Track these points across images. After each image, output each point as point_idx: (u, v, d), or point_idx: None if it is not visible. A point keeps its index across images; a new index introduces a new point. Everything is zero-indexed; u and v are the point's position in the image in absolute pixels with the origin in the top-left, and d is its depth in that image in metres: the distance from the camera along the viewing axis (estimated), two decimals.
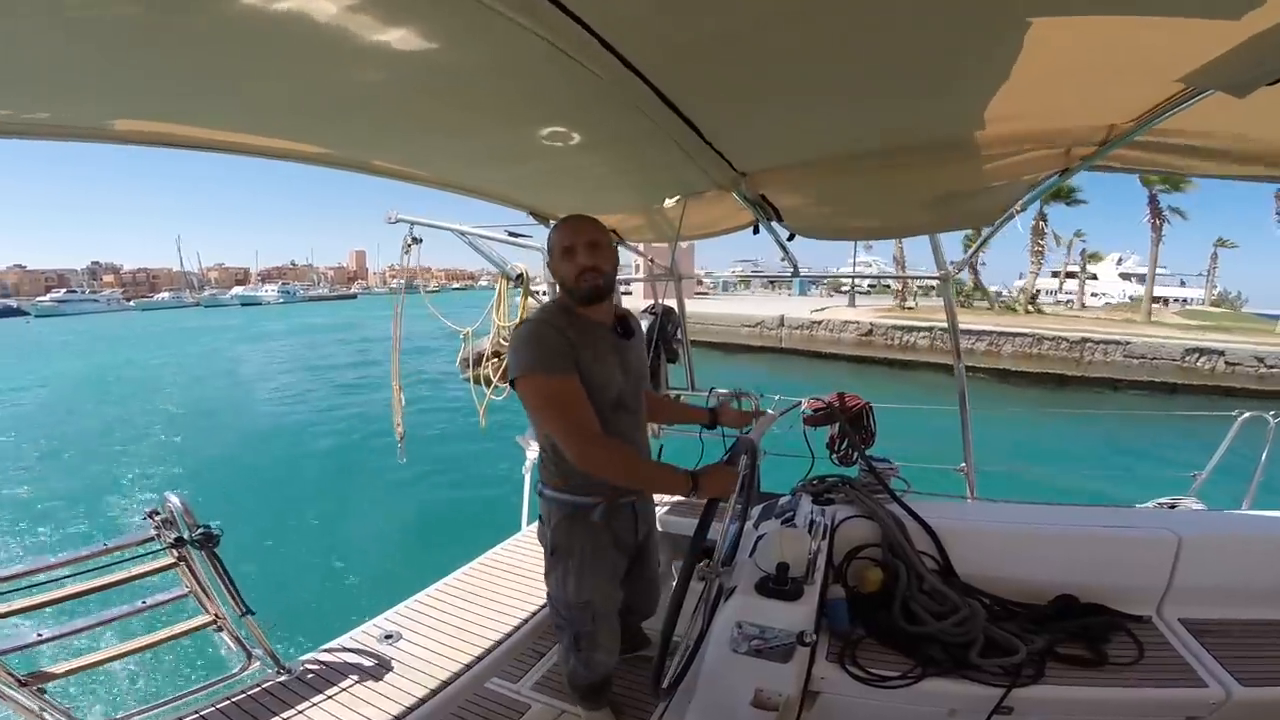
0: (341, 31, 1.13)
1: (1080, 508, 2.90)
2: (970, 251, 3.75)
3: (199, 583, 2.30)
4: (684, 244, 3.88)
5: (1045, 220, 31.47)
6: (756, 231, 3.12)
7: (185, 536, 2.20)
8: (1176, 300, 53.34)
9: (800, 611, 1.96)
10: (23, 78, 1.23)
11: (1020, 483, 6.82)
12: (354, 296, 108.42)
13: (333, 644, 2.73)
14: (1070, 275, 46.37)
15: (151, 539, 2.20)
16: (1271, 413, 3.67)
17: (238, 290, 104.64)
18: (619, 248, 2.48)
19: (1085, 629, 2.26)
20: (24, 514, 9.82)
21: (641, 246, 4.25)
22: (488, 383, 4.27)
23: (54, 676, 2.03)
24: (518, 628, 2.89)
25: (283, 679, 2.46)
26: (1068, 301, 43.98)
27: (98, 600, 2.19)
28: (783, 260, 3.96)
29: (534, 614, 2.98)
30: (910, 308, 31.82)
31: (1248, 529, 2.64)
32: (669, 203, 2.89)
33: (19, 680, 1.94)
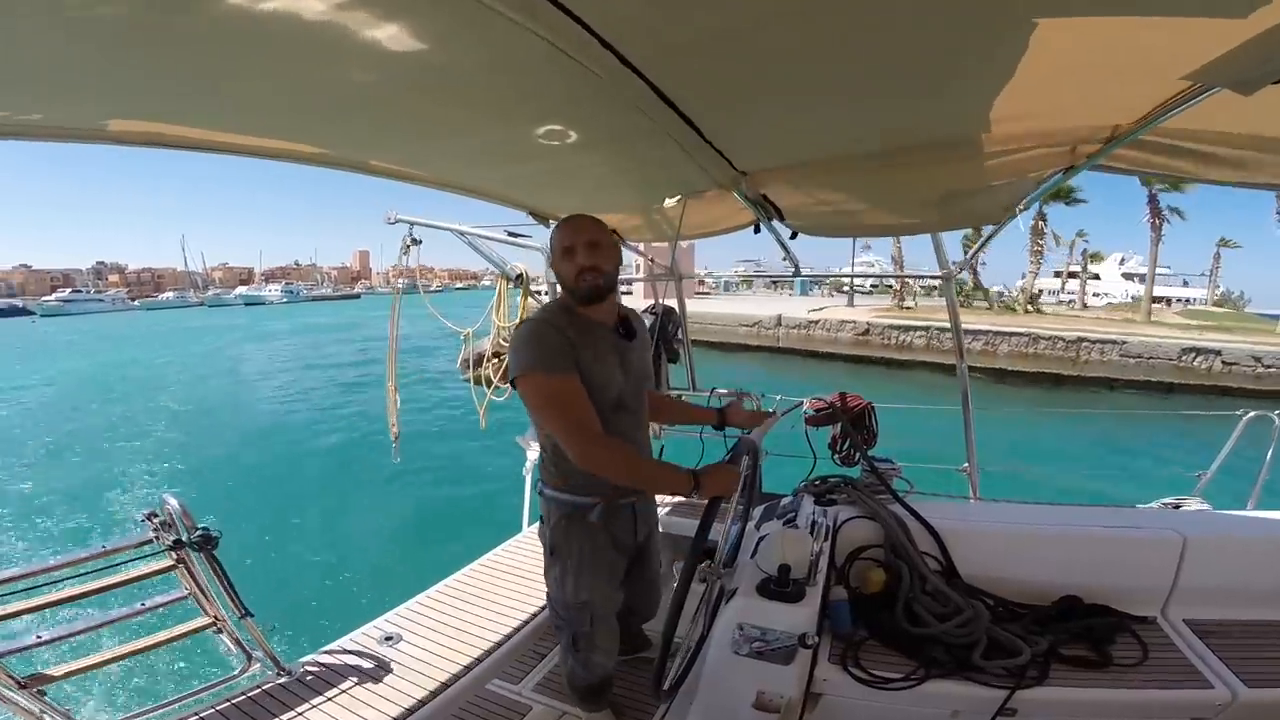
0: (338, 30, 1.12)
1: (1084, 508, 2.88)
2: (973, 250, 3.74)
3: (198, 584, 2.30)
4: (684, 243, 3.87)
5: (1045, 220, 31.44)
6: (758, 230, 3.11)
7: (184, 539, 2.19)
8: (1180, 300, 53.28)
9: (802, 613, 1.96)
10: (16, 78, 1.22)
11: (1023, 483, 6.82)
12: (357, 296, 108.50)
13: (333, 645, 2.72)
14: (1072, 275, 46.27)
15: (150, 541, 2.19)
16: (1277, 412, 3.65)
17: (242, 290, 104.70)
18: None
19: (1089, 630, 2.25)
20: (28, 509, 9.91)
21: (642, 246, 4.24)
22: (488, 383, 4.27)
23: (54, 678, 2.03)
24: (518, 629, 2.89)
25: (283, 681, 2.46)
26: (1070, 301, 43.92)
27: (97, 602, 2.19)
28: (784, 260, 3.95)
29: (535, 615, 2.98)
30: (909, 308, 31.75)
31: (1253, 529, 2.63)
32: (669, 202, 2.88)
33: (19, 682, 1.94)
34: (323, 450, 13.41)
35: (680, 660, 1.98)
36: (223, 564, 2.32)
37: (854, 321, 25.66)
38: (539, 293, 4.23)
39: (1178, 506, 3.43)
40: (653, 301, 4.36)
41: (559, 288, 2.07)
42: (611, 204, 3.10)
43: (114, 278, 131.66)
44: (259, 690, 2.41)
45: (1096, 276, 50.52)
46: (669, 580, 3.13)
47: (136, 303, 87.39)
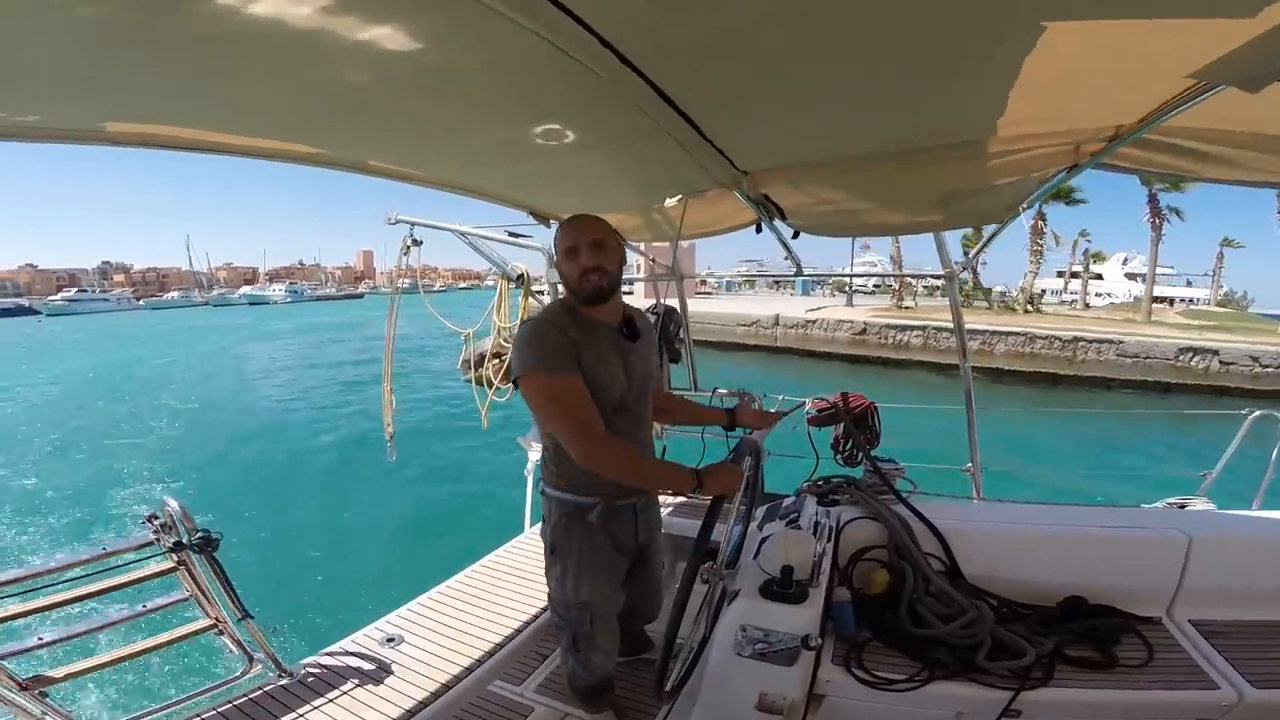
0: (336, 30, 1.12)
1: (1088, 508, 2.88)
2: (976, 249, 3.74)
3: (199, 586, 2.29)
4: (684, 243, 3.86)
5: (1044, 219, 31.40)
6: (759, 230, 3.10)
7: (184, 540, 2.19)
8: (1183, 300, 53.14)
9: (805, 615, 1.95)
10: (12, 80, 1.22)
11: (1027, 483, 6.80)
12: (361, 296, 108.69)
13: (335, 647, 2.72)
14: (1075, 275, 46.23)
15: (151, 543, 2.19)
16: None
17: (246, 290, 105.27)
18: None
19: (1094, 631, 2.24)
20: (33, 505, 10.07)
21: (642, 246, 4.23)
22: (488, 384, 4.26)
23: (55, 680, 2.03)
24: (520, 630, 2.88)
25: (284, 682, 2.45)
26: (1072, 302, 43.89)
27: (98, 604, 2.19)
28: (786, 259, 3.94)
29: (536, 616, 2.97)
30: (908, 308, 31.75)
31: (1259, 529, 2.62)
32: (670, 202, 2.87)
33: (20, 684, 1.93)
34: (324, 450, 13.41)
35: (682, 661, 1.97)
36: (223, 565, 2.31)
37: (851, 321, 25.76)
38: (540, 293, 4.22)
39: (1183, 506, 3.41)
40: (654, 301, 4.35)
41: (560, 288, 2.07)
42: (612, 204, 3.09)
43: (119, 277, 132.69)
44: (260, 692, 2.41)
45: (1099, 277, 50.53)
46: (670, 581, 3.13)
47: (141, 302, 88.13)
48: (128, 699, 4.94)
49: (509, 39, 1.18)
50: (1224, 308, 46.21)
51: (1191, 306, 48.14)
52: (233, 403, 19.55)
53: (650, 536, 2.28)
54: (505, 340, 4.22)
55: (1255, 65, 1.24)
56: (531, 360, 1.87)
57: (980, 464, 3.77)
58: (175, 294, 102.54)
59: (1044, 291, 44.85)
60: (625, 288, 2.13)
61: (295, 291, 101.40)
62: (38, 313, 73.42)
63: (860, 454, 3.15)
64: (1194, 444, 11.02)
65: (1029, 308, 31.99)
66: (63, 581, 2.07)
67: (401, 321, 3.84)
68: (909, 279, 35.63)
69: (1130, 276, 52.81)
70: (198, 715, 2.26)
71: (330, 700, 2.39)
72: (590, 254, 1.92)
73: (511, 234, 3.72)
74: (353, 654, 2.67)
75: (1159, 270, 34.36)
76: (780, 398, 3.78)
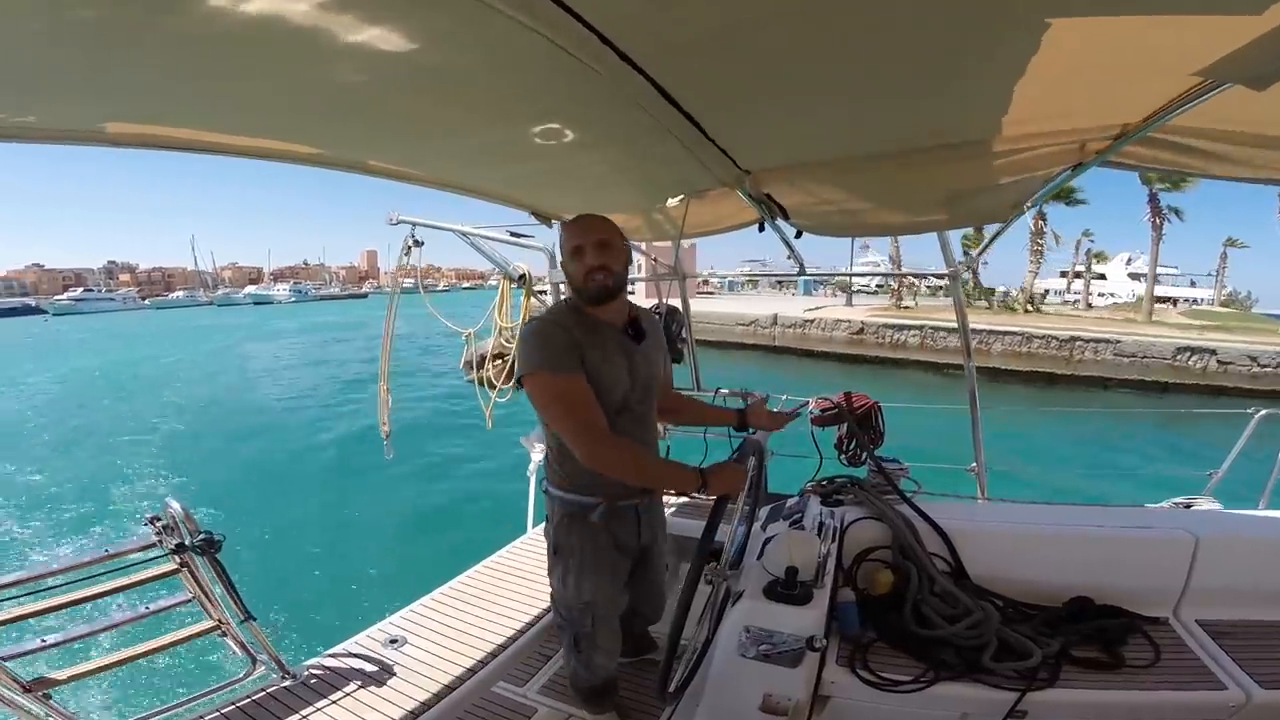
0: (335, 29, 1.11)
1: (1094, 508, 2.86)
2: (981, 248, 3.72)
3: (201, 588, 2.28)
4: (686, 242, 3.85)
5: (1045, 219, 31.34)
6: (762, 229, 3.09)
7: (187, 542, 2.19)
8: (1187, 301, 53.04)
9: (810, 616, 1.94)
10: (9, 80, 1.21)
11: (1031, 483, 6.77)
12: (365, 296, 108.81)
13: (338, 648, 2.72)
14: (1078, 275, 46.23)
15: (153, 545, 2.18)
16: None
17: (250, 289, 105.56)
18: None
19: (1101, 631, 2.24)
20: (39, 500, 10.29)
21: (644, 246, 4.22)
22: (490, 385, 4.26)
23: (58, 682, 2.02)
24: (524, 631, 2.88)
25: (287, 684, 2.45)
26: (1075, 302, 43.87)
27: (101, 606, 2.19)
28: (789, 259, 3.93)
29: (540, 617, 2.96)
30: (908, 307, 31.77)
31: (1266, 529, 2.60)
32: (672, 202, 2.86)
33: (24, 686, 1.93)
34: (326, 448, 13.45)
35: (686, 662, 1.97)
36: (226, 567, 2.31)
37: (849, 321, 25.95)
38: (542, 293, 4.21)
39: (1188, 506, 3.40)
40: (656, 301, 4.34)
41: (563, 288, 2.06)
42: (614, 203, 3.08)
43: (125, 277, 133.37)
44: (263, 693, 2.40)
45: (1103, 277, 50.58)
46: (674, 581, 3.12)
47: (147, 302, 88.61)
48: (131, 701, 4.95)
49: (508, 37, 1.17)
50: (1227, 308, 46.12)
51: (1195, 307, 48.01)
52: (236, 401, 19.64)
53: (653, 537, 2.27)
54: (507, 341, 4.21)
55: (1262, 63, 1.24)
56: (536, 360, 1.87)
57: (985, 463, 3.76)
58: (180, 294, 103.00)
59: (1047, 292, 44.93)
60: (628, 287, 2.12)
61: (299, 291, 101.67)
62: (44, 312, 73.90)
63: (864, 454, 3.14)
64: (1194, 444, 11.09)
65: (1029, 308, 31.96)
66: (65, 584, 2.06)
67: (405, 321, 3.85)
68: (912, 279, 35.61)
69: (1134, 277, 52.70)
70: (201, 717, 2.25)
71: (333, 702, 2.38)
72: (595, 254, 1.91)
73: (513, 234, 3.72)
74: (356, 655, 2.66)
75: (1164, 271, 34.40)
76: (784, 398, 3.77)
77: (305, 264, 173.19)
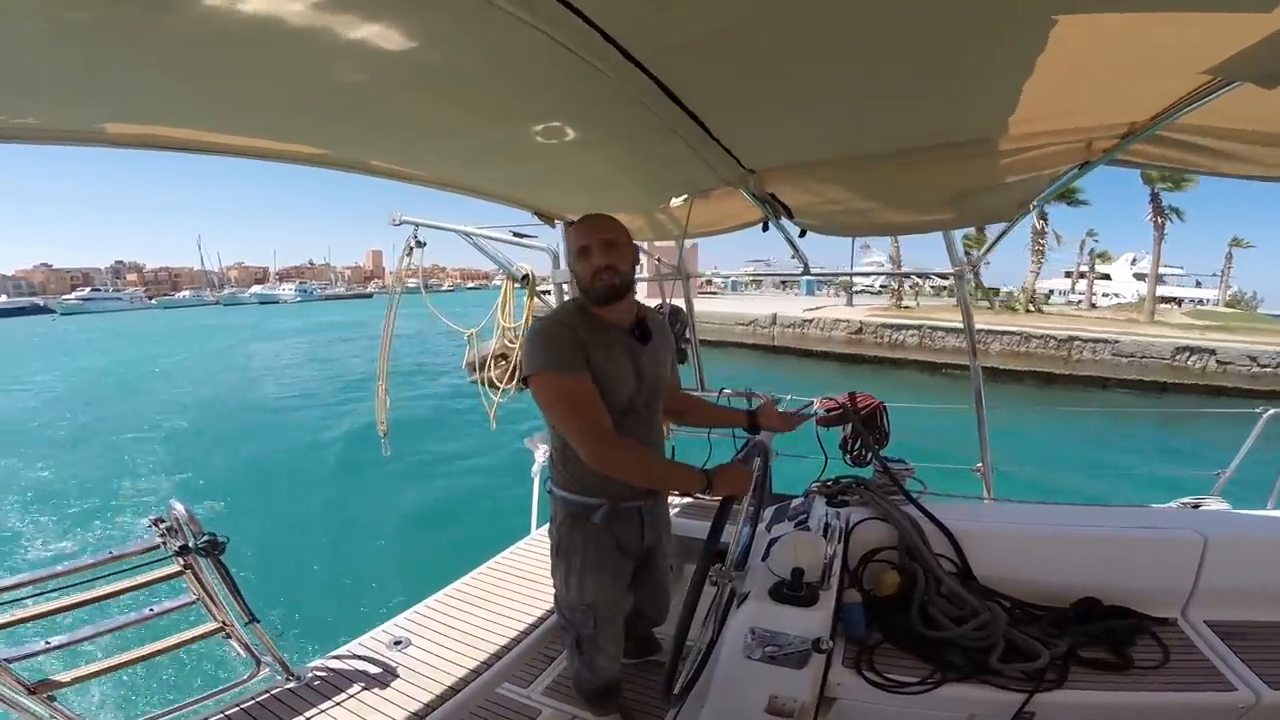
0: (334, 28, 1.10)
1: (1101, 508, 2.85)
2: (986, 246, 3.71)
3: (205, 590, 2.28)
4: (688, 242, 3.84)
5: (1046, 219, 31.28)
6: (766, 229, 3.07)
7: (190, 544, 2.18)
8: (1192, 301, 52.88)
9: (816, 617, 1.93)
10: (8, 81, 1.21)
11: (1034, 484, 6.74)
12: (370, 296, 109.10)
13: (342, 650, 2.72)
14: (1082, 275, 46.15)
15: (157, 547, 2.18)
16: None
17: (256, 289, 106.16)
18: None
19: (1109, 632, 2.23)
20: (46, 495, 10.46)
21: (646, 245, 4.21)
22: (492, 386, 4.26)
23: (63, 684, 2.02)
24: (528, 632, 2.87)
25: (291, 686, 2.45)
26: (1078, 302, 43.81)
27: (105, 608, 2.18)
28: (793, 258, 3.91)
29: (544, 618, 2.96)
30: (908, 307, 31.73)
31: (1275, 530, 2.58)
32: (676, 202, 2.85)
33: (28, 688, 1.93)
34: (331, 447, 13.45)
35: (690, 664, 1.96)
36: (229, 569, 2.31)
37: (847, 320, 25.99)
38: (545, 293, 4.20)
39: (1197, 506, 3.38)
40: (660, 301, 4.33)
41: (565, 288, 2.05)
42: (617, 203, 3.07)
43: (132, 277, 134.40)
44: (268, 695, 2.40)
45: (1107, 277, 50.43)
46: (678, 582, 3.11)
47: (154, 301, 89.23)
48: (135, 703, 4.96)
49: (510, 35, 1.16)
50: (1232, 308, 45.98)
51: (1199, 307, 47.86)
52: (240, 400, 19.72)
53: (657, 538, 2.26)
54: (510, 341, 4.21)
55: (1272, 61, 1.24)
56: (541, 360, 1.86)
57: (991, 464, 3.74)
58: (187, 293, 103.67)
59: (1052, 292, 44.88)
60: None
61: (305, 291, 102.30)
62: (52, 311, 74.47)
63: (869, 454, 3.12)
64: (1194, 444, 11.10)
65: (1030, 308, 31.89)
66: (69, 586, 2.06)
67: (410, 321, 3.85)
68: (915, 278, 35.51)
69: (1139, 277, 52.56)
70: (204, 718, 2.26)
71: (337, 704, 2.38)
72: (603, 253, 1.90)
73: (516, 234, 3.71)
74: (360, 657, 2.66)
75: (1169, 271, 34.35)
76: (788, 398, 3.76)
77: (311, 264, 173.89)
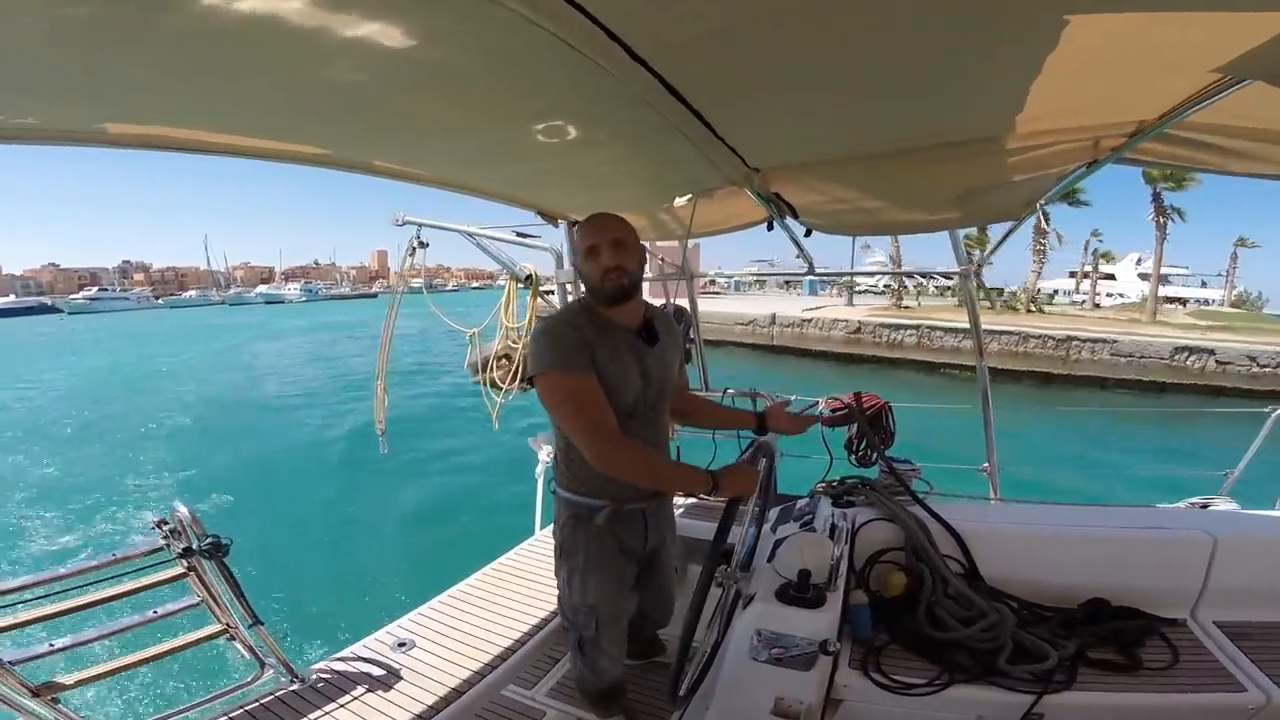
0: (334, 26, 1.09)
1: (1109, 508, 2.84)
2: (994, 246, 3.69)
3: (209, 592, 2.28)
4: (690, 242, 3.83)
5: (1047, 219, 31.20)
6: (771, 228, 3.06)
7: (194, 546, 2.18)
8: (1197, 301, 52.77)
9: (823, 619, 1.92)
10: (8, 80, 1.20)
11: (1040, 484, 6.71)
12: (375, 296, 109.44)
13: (346, 652, 2.71)
14: (1086, 276, 46.12)
15: (160, 549, 2.18)
16: None
17: (262, 289, 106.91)
18: None
19: (1118, 633, 2.21)
20: (51, 490, 10.64)
21: (649, 246, 4.20)
22: (494, 386, 4.25)
23: (66, 687, 2.02)
24: (532, 633, 2.87)
25: (295, 688, 2.45)
26: (1082, 302, 43.79)
27: (108, 611, 2.18)
28: (798, 257, 3.89)
29: (548, 619, 2.96)
30: (908, 307, 31.73)
31: None
32: (680, 201, 2.84)
33: (32, 690, 1.93)
34: (332, 449, 13.47)
35: (695, 665, 1.95)
36: (233, 570, 2.31)
37: (846, 320, 26.16)
38: (549, 294, 4.20)
39: (1205, 506, 3.36)
40: (663, 301, 4.31)
41: (569, 287, 2.04)
42: (620, 202, 3.05)
43: (139, 276, 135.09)
44: (272, 697, 2.40)
45: (1112, 277, 50.42)
46: (682, 583, 3.10)
47: (160, 301, 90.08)
48: (139, 705, 4.96)
49: (511, 32, 1.15)
50: (1237, 308, 45.86)
51: (1204, 307, 47.72)
52: (244, 399, 19.87)
53: (661, 540, 2.24)
54: (513, 341, 4.20)
55: None
56: (547, 359, 1.84)
57: (997, 464, 3.72)
58: (193, 293, 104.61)
59: (1056, 292, 44.80)
60: None
61: (310, 291, 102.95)
62: (59, 311, 74.97)
63: (875, 454, 3.10)
64: (1194, 444, 11.04)
65: (1031, 308, 31.80)
66: (72, 588, 2.06)
67: (415, 321, 3.85)
68: (919, 278, 35.44)
69: (1143, 277, 52.47)
70: None
71: (342, 706, 2.38)
72: (611, 253, 1.88)
73: (520, 234, 3.71)
74: (364, 659, 2.66)
75: (1174, 271, 34.30)
76: (794, 398, 3.74)
77: (316, 264, 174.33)
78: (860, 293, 41.44)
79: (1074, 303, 45.08)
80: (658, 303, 4.23)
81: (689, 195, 2.78)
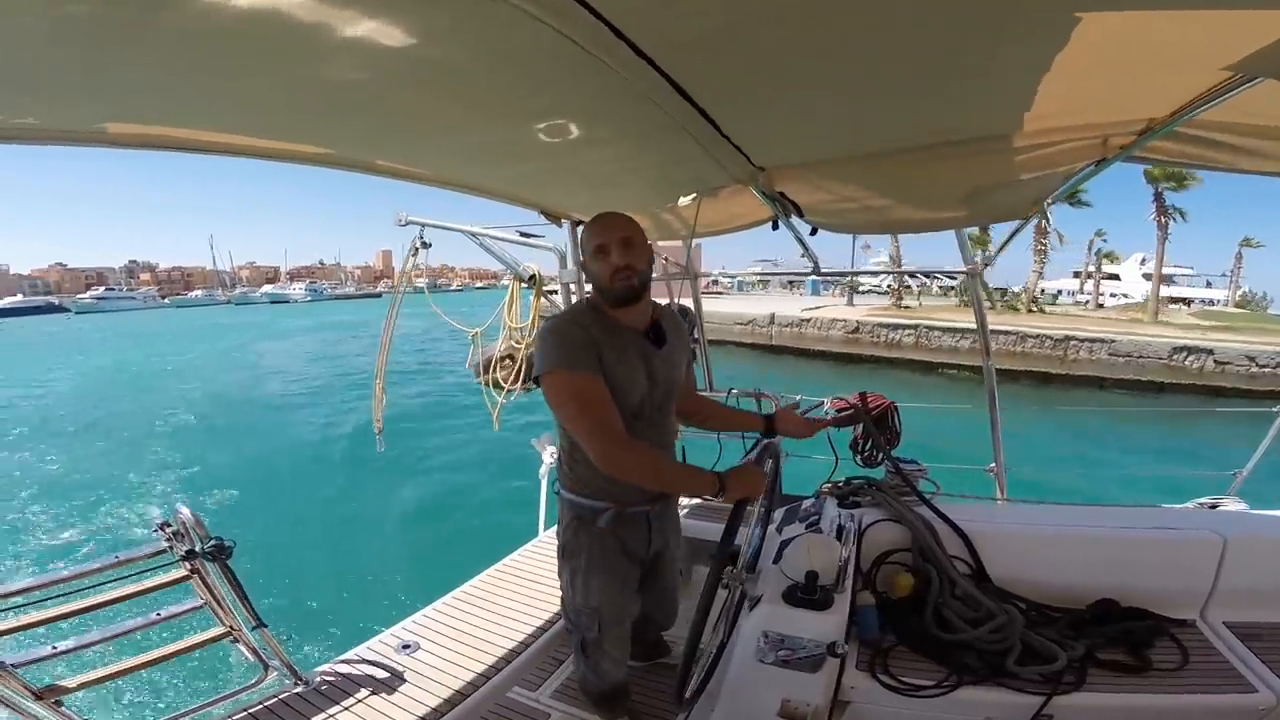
0: (335, 23, 1.08)
1: (1117, 508, 2.82)
2: (1002, 243, 3.67)
3: (212, 594, 2.27)
4: (694, 242, 3.82)
5: (1048, 220, 31.13)
6: (776, 227, 3.04)
7: (197, 549, 2.17)
8: (1202, 301, 52.62)
9: (831, 621, 1.91)
10: (7, 80, 1.19)
11: (1049, 484, 6.68)
12: (379, 295, 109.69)
13: (350, 654, 2.71)
14: (1090, 276, 46.05)
15: (163, 551, 2.17)
16: None
17: (267, 288, 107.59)
18: None
19: (1127, 634, 2.20)
20: (56, 487, 10.76)
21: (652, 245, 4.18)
22: (497, 386, 4.25)
23: (69, 690, 2.01)
24: (536, 635, 2.86)
25: (299, 690, 2.44)
26: (1086, 302, 43.75)
27: (111, 613, 2.17)
28: (802, 257, 3.87)
29: (552, 621, 2.95)
30: (908, 307, 31.71)
31: None
32: (684, 200, 2.82)
33: (35, 693, 1.92)
34: (335, 447, 13.49)
35: (700, 667, 1.94)
36: (236, 573, 2.30)
37: (845, 320, 26.23)
38: (552, 293, 4.19)
39: (1214, 506, 3.34)
40: (667, 301, 4.30)
41: (574, 287, 2.02)
42: (623, 202, 3.02)
43: (145, 276, 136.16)
44: (276, 700, 2.40)
45: (1116, 277, 50.31)
46: (687, 584, 3.09)
47: (167, 300, 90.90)
48: (142, 708, 4.96)
49: (515, 28, 1.13)
50: (1242, 308, 45.71)
51: (1209, 307, 47.56)
52: (248, 398, 19.93)
53: (665, 543, 2.23)
54: (516, 342, 4.20)
55: None
56: (554, 358, 1.82)
57: (1004, 464, 3.70)
58: (199, 292, 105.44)
59: (1060, 292, 44.63)
60: None
61: (315, 290, 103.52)
62: (67, 310, 75.58)
63: (880, 455, 3.08)
64: (1194, 444, 11.01)
65: (1032, 308, 31.74)
66: (75, 591, 2.06)
67: (418, 320, 3.86)
68: (923, 278, 35.40)
69: (1149, 277, 52.38)
70: None
71: (346, 708, 2.38)
72: (621, 253, 1.85)
73: (523, 234, 3.70)
74: (368, 661, 2.66)
75: (1179, 271, 34.17)
76: (799, 397, 3.73)
77: (321, 263, 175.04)
78: (864, 293, 41.37)
79: (1078, 303, 45.09)
80: (662, 302, 4.24)
81: (693, 194, 2.76)
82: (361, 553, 8.26)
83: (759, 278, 53.53)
